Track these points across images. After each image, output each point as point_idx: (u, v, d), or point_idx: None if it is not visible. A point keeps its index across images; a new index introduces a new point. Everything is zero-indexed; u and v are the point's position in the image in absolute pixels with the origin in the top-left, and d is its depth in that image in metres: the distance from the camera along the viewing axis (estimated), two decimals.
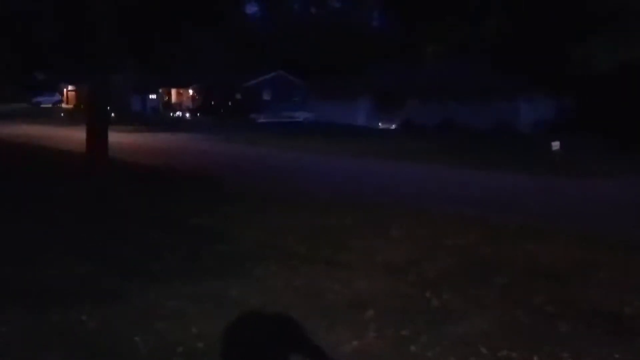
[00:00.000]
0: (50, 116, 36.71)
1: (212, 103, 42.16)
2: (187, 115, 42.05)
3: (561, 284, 4.67)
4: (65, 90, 53.16)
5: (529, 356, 3.38)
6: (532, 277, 4.84)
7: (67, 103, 50.81)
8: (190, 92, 45.91)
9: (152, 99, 47.55)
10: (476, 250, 5.69)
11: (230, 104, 41.61)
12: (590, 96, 18.88)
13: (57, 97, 53.25)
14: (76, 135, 16.25)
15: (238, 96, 42.45)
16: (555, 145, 13.09)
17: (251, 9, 45.41)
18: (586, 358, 3.38)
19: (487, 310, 4.11)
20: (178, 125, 31.50)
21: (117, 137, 15.74)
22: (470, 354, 3.39)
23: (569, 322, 3.87)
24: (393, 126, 31.02)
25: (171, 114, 43.08)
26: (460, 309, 4.10)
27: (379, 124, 31.83)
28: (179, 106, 45.78)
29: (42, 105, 49.17)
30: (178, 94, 47.87)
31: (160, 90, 47.50)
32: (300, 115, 36.46)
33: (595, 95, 18.44)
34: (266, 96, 42.34)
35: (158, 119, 37.40)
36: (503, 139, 20.68)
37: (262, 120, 35.98)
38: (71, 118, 31.72)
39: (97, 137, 13.32)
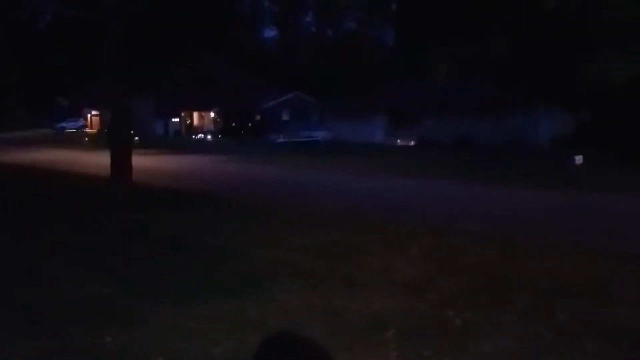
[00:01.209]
0: (75, 141, 37.50)
1: (233, 125, 42.70)
2: (209, 137, 42.62)
3: (584, 302, 4.57)
4: (88, 115, 54.42)
5: None
6: (555, 295, 4.74)
7: (91, 128, 51.95)
8: (211, 115, 46.60)
9: (174, 122, 48.37)
10: (497, 268, 5.61)
11: (250, 125, 42.11)
12: (606, 110, 18.64)
13: (81, 122, 54.47)
14: (100, 160, 16.57)
15: (257, 117, 42.98)
16: (579, 159, 12.94)
17: (269, 32, 46.17)
18: None
19: (509, 328, 4.04)
20: (200, 147, 31.91)
21: (140, 161, 16.00)
22: None
23: (593, 340, 3.79)
24: (412, 142, 30.92)
25: (193, 137, 43.73)
26: (483, 328, 4.04)
27: (398, 140, 31.77)
28: (200, 129, 46.48)
29: (66, 131, 50.33)
30: (199, 117, 48.62)
31: (182, 114, 48.32)
32: (319, 134, 36.68)
33: (611, 109, 18.20)
34: (284, 116, 42.79)
35: (180, 141, 37.98)
36: (520, 154, 20.45)
37: (281, 140, 36.28)
38: (95, 143, 32.40)
39: (120, 161, 13.60)
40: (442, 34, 21.91)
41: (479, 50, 22.97)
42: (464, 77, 28.33)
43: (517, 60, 21.07)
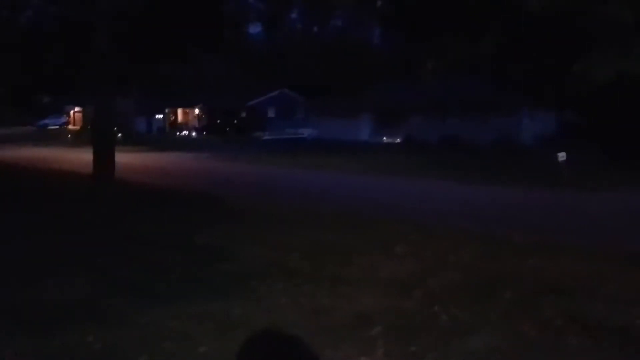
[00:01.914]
0: (57, 138, 37.04)
1: (218, 122, 42.45)
2: (193, 134, 42.34)
3: (568, 299, 4.62)
4: (71, 112, 53.73)
5: None
6: (539, 292, 4.79)
7: (74, 125, 51.31)
8: (196, 111, 46.27)
9: (158, 119, 47.96)
10: (482, 266, 5.65)
11: (235, 122, 41.89)
12: (591, 110, 18.84)
13: (63, 119, 53.78)
14: (83, 157, 16.38)
15: (243, 114, 42.76)
16: (562, 156, 13.06)
17: (254, 28, 45.86)
18: None
19: (495, 325, 4.07)
20: (184, 144, 31.69)
21: (123, 158, 15.83)
22: None
23: (576, 337, 3.84)
24: (397, 140, 31.06)
25: (177, 134, 43.41)
26: (468, 325, 4.07)
27: (384, 139, 31.87)
28: (184, 126, 46.13)
29: (48, 128, 49.64)
30: (184, 113, 48.25)
31: (166, 111, 47.91)
32: (305, 132, 36.68)
33: (596, 108, 18.40)
34: (270, 114, 42.70)
35: (164, 139, 37.69)
36: (506, 153, 20.64)
37: (266, 137, 36.21)
38: (78, 140, 32.02)
39: (103, 158, 13.45)
40: (428, 33, 21.97)
41: (466, 49, 23.07)
42: (450, 76, 28.40)
43: (505, 60, 21.18)
